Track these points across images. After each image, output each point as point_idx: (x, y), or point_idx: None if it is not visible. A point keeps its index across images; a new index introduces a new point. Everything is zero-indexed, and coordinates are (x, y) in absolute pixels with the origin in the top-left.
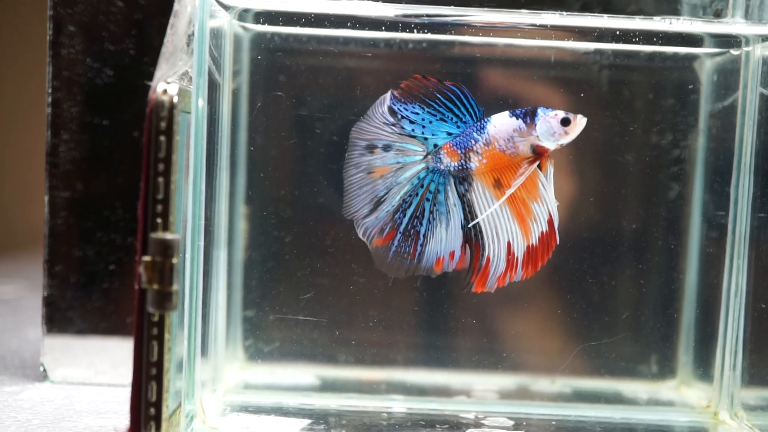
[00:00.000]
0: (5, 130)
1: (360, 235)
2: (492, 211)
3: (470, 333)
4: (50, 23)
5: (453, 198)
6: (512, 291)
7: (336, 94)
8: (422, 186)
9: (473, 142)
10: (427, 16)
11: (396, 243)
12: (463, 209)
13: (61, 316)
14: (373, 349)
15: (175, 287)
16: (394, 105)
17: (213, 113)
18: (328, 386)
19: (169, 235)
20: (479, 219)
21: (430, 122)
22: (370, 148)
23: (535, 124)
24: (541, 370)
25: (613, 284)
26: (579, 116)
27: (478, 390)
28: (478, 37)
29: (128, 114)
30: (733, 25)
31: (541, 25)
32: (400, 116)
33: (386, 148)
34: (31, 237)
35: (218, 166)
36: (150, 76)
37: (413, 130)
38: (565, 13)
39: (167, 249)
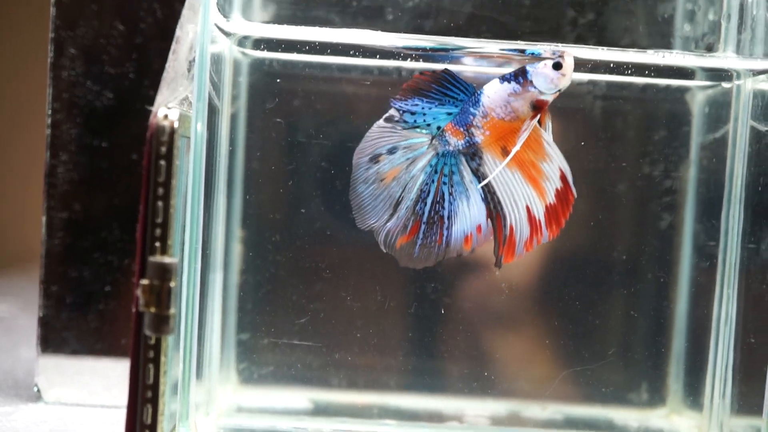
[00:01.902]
0: (4, 149)
1: (381, 242)
2: (506, 179)
3: (462, 359)
4: (51, 45)
5: (468, 175)
6: (505, 318)
7: (333, 119)
8: (436, 171)
9: (471, 117)
10: (426, 50)
11: (421, 235)
12: (478, 180)
13: (56, 337)
14: (366, 373)
15: (172, 311)
16: (395, 105)
17: (212, 137)
18: (321, 410)
19: (167, 259)
20: (488, 179)
21: (430, 108)
22: (375, 158)
23: (530, 81)
24: (532, 396)
25: (604, 312)
26: (565, 54)
27: (470, 415)
28: (474, 66)
29: (127, 136)
30: (725, 59)
31: (536, 55)
32: (401, 112)
33: (392, 150)
34: (24, 255)
35: (216, 190)
36: (149, 99)
37: (415, 120)
38: (560, 45)
39: (165, 273)
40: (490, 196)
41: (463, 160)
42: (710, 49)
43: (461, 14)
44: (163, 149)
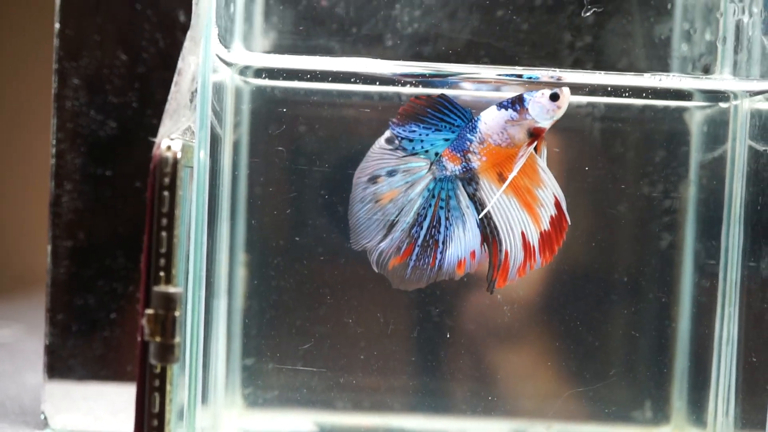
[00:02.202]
0: (10, 178)
1: (373, 262)
2: (502, 204)
3: (466, 379)
4: (55, 76)
5: (465, 200)
6: (507, 337)
7: (336, 144)
8: (433, 196)
9: (468, 143)
10: (424, 76)
11: (414, 257)
12: (476, 209)
13: (62, 365)
14: (371, 395)
15: (177, 340)
16: (394, 130)
17: (215, 165)
18: None
19: (171, 289)
20: (487, 209)
21: (427, 135)
22: (373, 179)
23: (527, 109)
24: (536, 416)
25: (608, 331)
26: (565, 88)
27: None
28: (473, 91)
29: (130, 165)
30: (722, 81)
31: (534, 80)
32: (399, 139)
33: (391, 173)
34: (30, 280)
35: (219, 217)
36: (152, 128)
37: (413, 147)
38: (557, 70)
39: (170, 302)
40: (486, 221)
41: (460, 185)
42: (707, 69)
43: (459, 41)
44: (167, 180)
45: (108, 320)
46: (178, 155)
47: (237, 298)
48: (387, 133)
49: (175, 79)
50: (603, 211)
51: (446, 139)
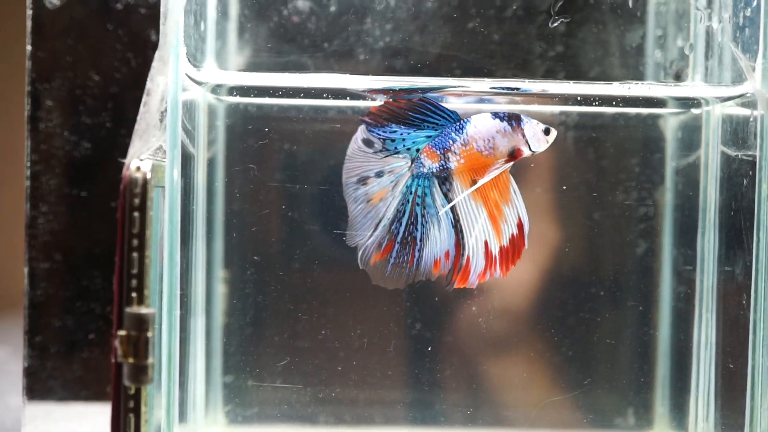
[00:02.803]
0: None
1: (359, 258)
2: (470, 211)
3: (445, 390)
4: (28, 98)
5: (439, 199)
6: (485, 348)
7: (311, 160)
8: (411, 192)
9: (451, 142)
10: (401, 91)
11: (394, 254)
12: (452, 208)
13: (42, 387)
14: (352, 409)
15: (150, 360)
16: (372, 132)
17: (188, 184)
18: None
19: (144, 309)
20: (452, 203)
21: (409, 133)
22: (363, 180)
23: (522, 128)
24: (519, 425)
25: (590, 339)
26: (553, 129)
27: None
28: (449, 104)
29: (105, 185)
30: (691, 88)
31: (507, 89)
32: (381, 140)
33: (379, 174)
34: (10, 302)
35: (194, 236)
36: (126, 148)
37: (396, 147)
38: (527, 80)
39: (142, 323)
40: (456, 225)
41: (436, 183)
42: (679, 75)
43: (430, 54)
44: (137, 201)
45: (87, 341)
46: (148, 175)
47: (216, 316)
48: (362, 134)
49: (144, 99)
50: (580, 220)
51: (428, 137)
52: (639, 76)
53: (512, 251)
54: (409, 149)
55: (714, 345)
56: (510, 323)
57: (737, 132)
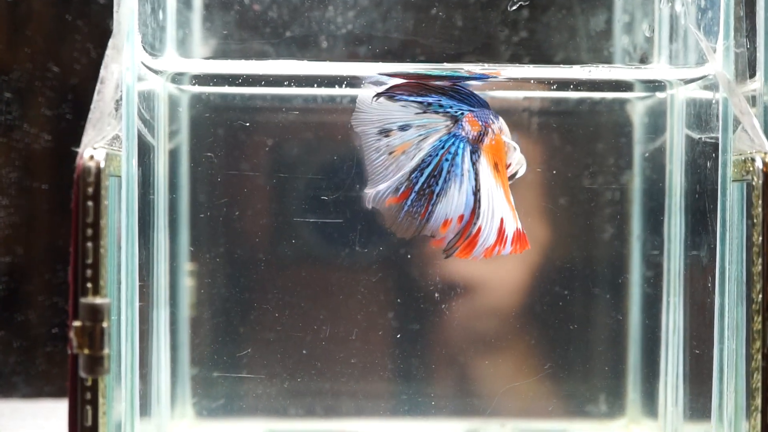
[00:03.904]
0: None
1: (371, 198)
2: (491, 188)
3: (417, 380)
4: None
5: (467, 164)
6: (455, 335)
7: (277, 149)
8: (443, 147)
9: (492, 120)
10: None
11: (409, 202)
12: (475, 177)
13: (5, 382)
14: (323, 400)
15: (106, 351)
16: (402, 97)
17: (147, 175)
18: None
19: (98, 300)
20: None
21: (450, 105)
22: (386, 132)
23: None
24: (491, 414)
25: (561, 326)
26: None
27: None
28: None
29: (67, 178)
30: (654, 69)
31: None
32: (426, 104)
33: (404, 128)
34: None
35: (155, 227)
36: None
37: (429, 104)
38: (486, 64)
39: (97, 313)
40: (475, 194)
41: (468, 149)
42: (644, 59)
43: (395, 40)
44: (90, 190)
45: (50, 335)
46: (102, 164)
47: (183, 308)
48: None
49: (98, 87)
50: (548, 206)
51: (469, 108)
52: (604, 62)
53: (523, 239)
54: (447, 112)
55: (682, 329)
56: (475, 310)
57: (700, 115)
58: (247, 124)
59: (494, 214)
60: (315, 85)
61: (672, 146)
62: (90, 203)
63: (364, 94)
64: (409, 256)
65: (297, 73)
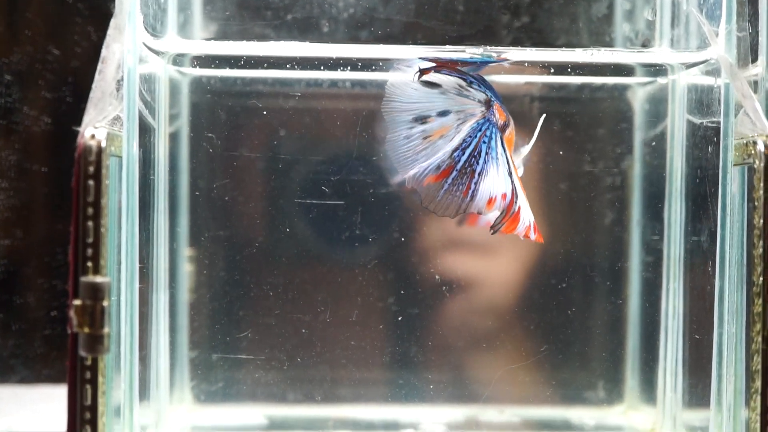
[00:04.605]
0: None
1: (410, 180)
2: (517, 178)
3: (416, 366)
4: None
5: (500, 148)
6: (453, 321)
7: (277, 134)
8: (480, 130)
9: (509, 115)
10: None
11: (450, 180)
12: (507, 161)
13: (4, 365)
14: (321, 386)
15: (106, 330)
16: (446, 72)
17: (148, 157)
18: (276, 425)
19: (99, 279)
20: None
21: (484, 90)
22: (422, 119)
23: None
24: (489, 401)
25: (560, 312)
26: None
27: (427, 423)
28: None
29: (67, 160)
30: (656, 54)
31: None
32: (460, 82)
33: (443, 114)
34: None
35: (156, 209)
36: None
37: (471, 83)
38: (488, 47)
39: (97, 292)
40: (510, 176)
41: (499, 134)
42: (646, 45)
43: (397, 23)
44: (91, 169)
45: (49, 318)
46: (103, 144)
47: (182, 292)
48: (417, 76)
49: (99, 67)
50: (549, 191)
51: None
52: (606, 47)
53: (537, 229)
54: (485, 94)
55: (681, 315)
56: (475, 294)
57: (702, 100)
58: (260, 105)
59: (524, 200)
60: (318, 68)
61: (673, 131)
62: (91, 182)
63: (395, 80)
64: (403, 239)
65: (298, 55)
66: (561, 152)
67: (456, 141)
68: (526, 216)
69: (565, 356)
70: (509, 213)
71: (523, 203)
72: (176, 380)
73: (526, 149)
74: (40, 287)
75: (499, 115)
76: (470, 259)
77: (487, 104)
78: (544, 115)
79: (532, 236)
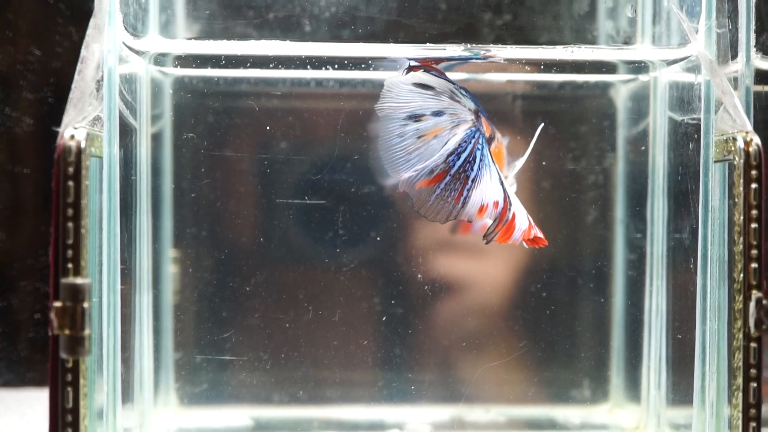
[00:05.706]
0: None
1: (403, 183)
2: (510, 187)
3: (401, 366)
4: None
5: (490, 157)
6: (437, 321)
7: (260, 134)
8: (473, 137)
9: (494, 128)
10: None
11: (443, 185)
12: (497, 170)
13: None
14: (306, 387)
15: (87, 332)
16: (438, 74)
17: (130, 157)
18: (262, 426)
19: (79, 280)
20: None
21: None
22: (416, 117)
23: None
24: (474, 400)
25: (543, 311)
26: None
27: (412, 423)
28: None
29: (49, 162)
30: (637, 50)
31: (448, 59)
32: (452, 87)
33: (438, 114)
34: None
35: (138, 210)
36: None
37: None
38: (470, 45)
39: (78, 294)
40: (501, 183)
41: (487, 145)
42: (627, 42)
43: (379, 21)
44: (71, 170)
45: (32, 321)
46: (82, 144)
47: (165, 293)
48: (414, 76)
49: (78, 67)
50: (532, 189)
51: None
52: (587, 44)
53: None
54: (472, 103)
55: (665, 313)
56: (459, 294)
57: (683, 97)
58: (255, 106)
59: (519, 207)
60: (302, 67)
61: (655, 129)
62: (71, 183)
63: (393, 79)
64: (387, 240)
65: (281, 54)
66: (544, 150)
67: (452, 145)
68: (522, 222)
69: (550, 355)
70: (502, 221)
71: (519, 210)
72: (161, 382)
73: (520, 162)
74: (24, 289)
75: (485, 129)
76: (454, 258)
77: (476, 114)
78: (542, 125)
79: (535, 234)
